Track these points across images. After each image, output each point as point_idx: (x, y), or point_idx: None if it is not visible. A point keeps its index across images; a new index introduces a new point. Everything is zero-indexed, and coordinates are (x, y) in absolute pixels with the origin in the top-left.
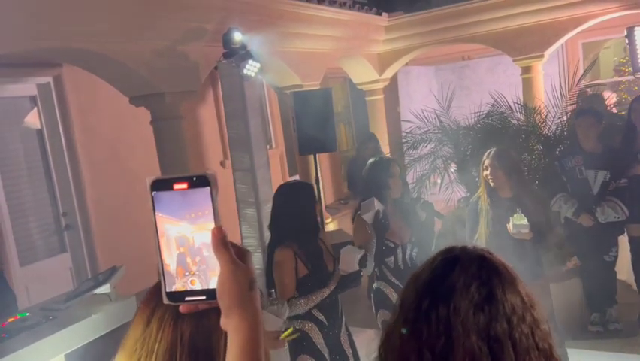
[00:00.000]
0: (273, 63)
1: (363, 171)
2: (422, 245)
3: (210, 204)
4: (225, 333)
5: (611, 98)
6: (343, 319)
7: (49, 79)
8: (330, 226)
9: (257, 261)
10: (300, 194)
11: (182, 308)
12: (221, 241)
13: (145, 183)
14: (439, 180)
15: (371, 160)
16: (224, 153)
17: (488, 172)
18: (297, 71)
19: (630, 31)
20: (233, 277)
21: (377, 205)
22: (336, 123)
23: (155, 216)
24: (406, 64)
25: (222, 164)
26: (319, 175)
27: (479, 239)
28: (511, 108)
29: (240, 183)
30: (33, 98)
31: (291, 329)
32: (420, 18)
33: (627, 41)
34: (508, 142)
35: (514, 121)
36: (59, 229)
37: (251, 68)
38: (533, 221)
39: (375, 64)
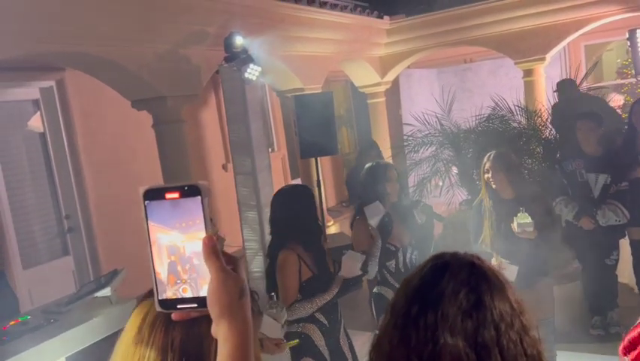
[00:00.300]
0: (274, 67)
1: (361, 176)
2: (422, 248)
3: (202, 213)
4: (216, 340)
5: (617, 100)
6: (342, 321)
7: (52, 83)
8: (332, 228)
9: (258, 264)
10: (299, 197)
11: (174, 316)
12: (212, 250)
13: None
14: (440, 183)
15: (368, 165)
16: (226, 156)
17: (489, 175)
18: (299, 75)
19: (632, 33)
20: (224, 286)
21: (382, 209)
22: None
23: (147, 225)
24: (408, 67)
25: (224, 167)
26: (320, 178)
27: (484, 241)
28: (511, 111)
29: (242, 187)
30: (36, 102)
31: (296, 341)
32: (421, 21)
33: (629, 44)
34: (508, 145)
35: (515, 124)
36: (62, 232)
37: (252, 72)
38: (537, 220)
39: (377, 67)
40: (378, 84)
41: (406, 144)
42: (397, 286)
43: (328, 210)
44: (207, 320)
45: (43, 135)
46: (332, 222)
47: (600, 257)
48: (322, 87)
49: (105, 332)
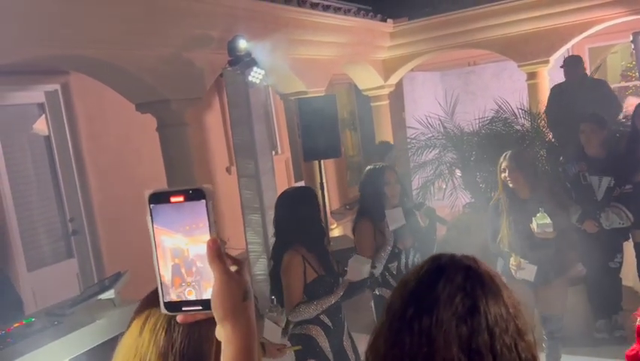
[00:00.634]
0: (278, 70)
1: (361, 178)
2: (424, 251)
3: (206, 216)
4: (216, 342)
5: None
6: (345, 323)
7: (56, 86)
8: (336, 231)
9: (262, 267)
10: (302, 198)
11: (179, 318)
12: (216, 253)
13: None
14: (443, 186)
15: (367, 168)
16: (230, 159)
17: (506, 174)
18: (303, 78)
19: (636, 36)
20: (227, 288)
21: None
22: (342, 129)
23: (152, 228)
24: (412, 70)
25: (228, 170)
26: (324, 181)
27: (502, 241)
28: (515, 114)
29: (245, 189)
30: (41, 106)
31: (298, 347)
32: (425, 24)
33: (633, 46)
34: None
35: (518, 127)
36: (66, 235)
37: (256, 75)
38: (555, 220)
39: (380, 70)
40: (381, 87)
41: (409, 146)
42: None
43: (332, 212)
44: (207, 322)
45: (48, 138)
46: (335, 225)
47: (604, 260)
48: (326, 90)
49: (108, 335)
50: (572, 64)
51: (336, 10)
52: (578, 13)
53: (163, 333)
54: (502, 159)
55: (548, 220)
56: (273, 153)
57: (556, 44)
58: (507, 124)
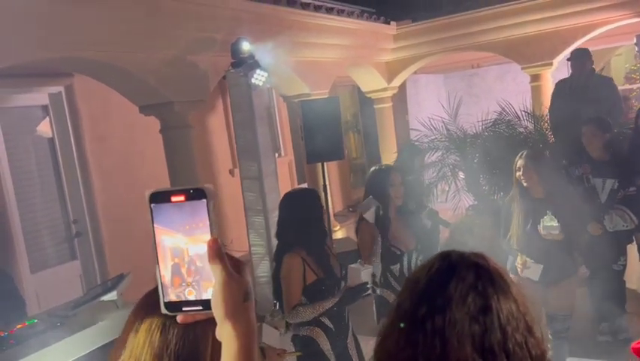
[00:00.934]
0: (281, 72)
1: (366, 179)
2: (427, 253)
3: (207, 216)
4: (212, 343)
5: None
6: (350, 325)
7: (60, 88)
8: (339, 233)
9: (264, 269)
10: (305, 200)
11: (179, 318)
12: (217, 253)
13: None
14: (446, 188)
15: (372, 169)
16: (233, 161)
17: (521, 173)
18: (306, 80)
19: (639, 38)
20: (228, 288)
21: (375, 202)
22: (346, 131)
23: (153, 228)
24: (415, 72)
25: (231, 172)
26: (327, 183)
27: (512, 238)
28: (518, 116)
29: (248, 191)
30: (45, 108)
31: (299, 353)
32: (428, 26)
33: (637, 49)
34: (515, 150)
35: (522, 129)
36: (70, 237)
37: (259, 78)
38: (564, 222)
39: (383, 72)
40: (384, 89)
41: None
42: (399, 290)
43: (335, 215)
44: (202, 324)
45: (51, 140)
46: (338, 227)
47: (608, 263)
48: (329, 92)
49: (111, 336)
50: (580, 57)
51: (340, 12)
52: (581, 16)
53: (158, 334)
54: (517, 158)
55: (555, 223)
56: (276, 155)
57: (559, 47)
58: (510, 126)
